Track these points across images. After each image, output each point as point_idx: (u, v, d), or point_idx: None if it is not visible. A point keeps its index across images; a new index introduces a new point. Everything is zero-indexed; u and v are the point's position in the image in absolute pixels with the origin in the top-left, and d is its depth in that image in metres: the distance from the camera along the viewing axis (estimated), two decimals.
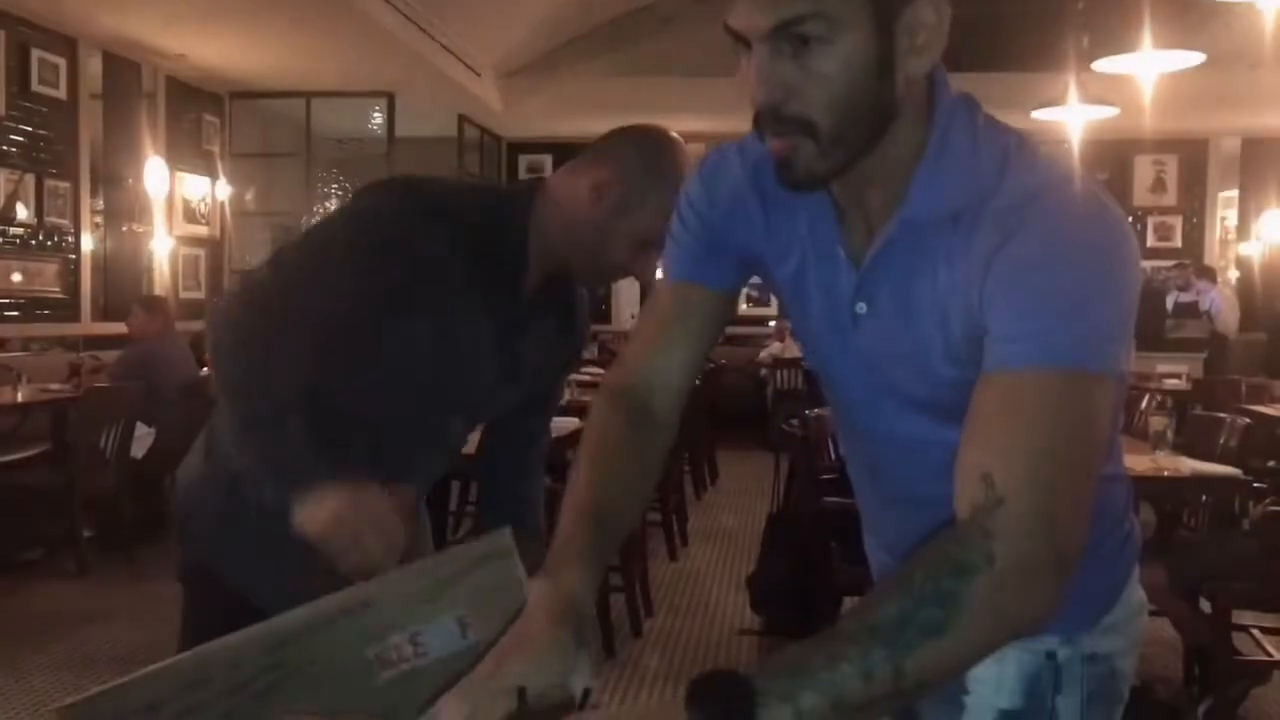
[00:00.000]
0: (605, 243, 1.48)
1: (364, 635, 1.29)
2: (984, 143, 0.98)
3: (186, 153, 8.44)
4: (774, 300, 10.86)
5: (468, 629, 1.29)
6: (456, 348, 1.49)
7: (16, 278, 6.61)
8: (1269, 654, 3.45)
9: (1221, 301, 9.08)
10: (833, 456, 4.08)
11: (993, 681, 1.11)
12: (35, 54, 6.71)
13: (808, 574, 3.56)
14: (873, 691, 0.81)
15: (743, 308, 10.89)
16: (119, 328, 6.43)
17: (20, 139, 6.62)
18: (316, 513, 1.28)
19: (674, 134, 1.54)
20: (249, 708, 1.27)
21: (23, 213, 6.63)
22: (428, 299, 1.45)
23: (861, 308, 1.03)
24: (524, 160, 11.20)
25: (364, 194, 1.48)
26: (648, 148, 1.49)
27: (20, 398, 5.11)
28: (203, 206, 8.74)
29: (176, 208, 8.30)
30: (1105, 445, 0.98)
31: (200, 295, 8.72)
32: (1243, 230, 10.83)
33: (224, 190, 8.94)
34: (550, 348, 1.61)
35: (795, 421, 3.96)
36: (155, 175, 7.82)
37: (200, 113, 8.68)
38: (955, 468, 0.91)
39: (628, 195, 1.46)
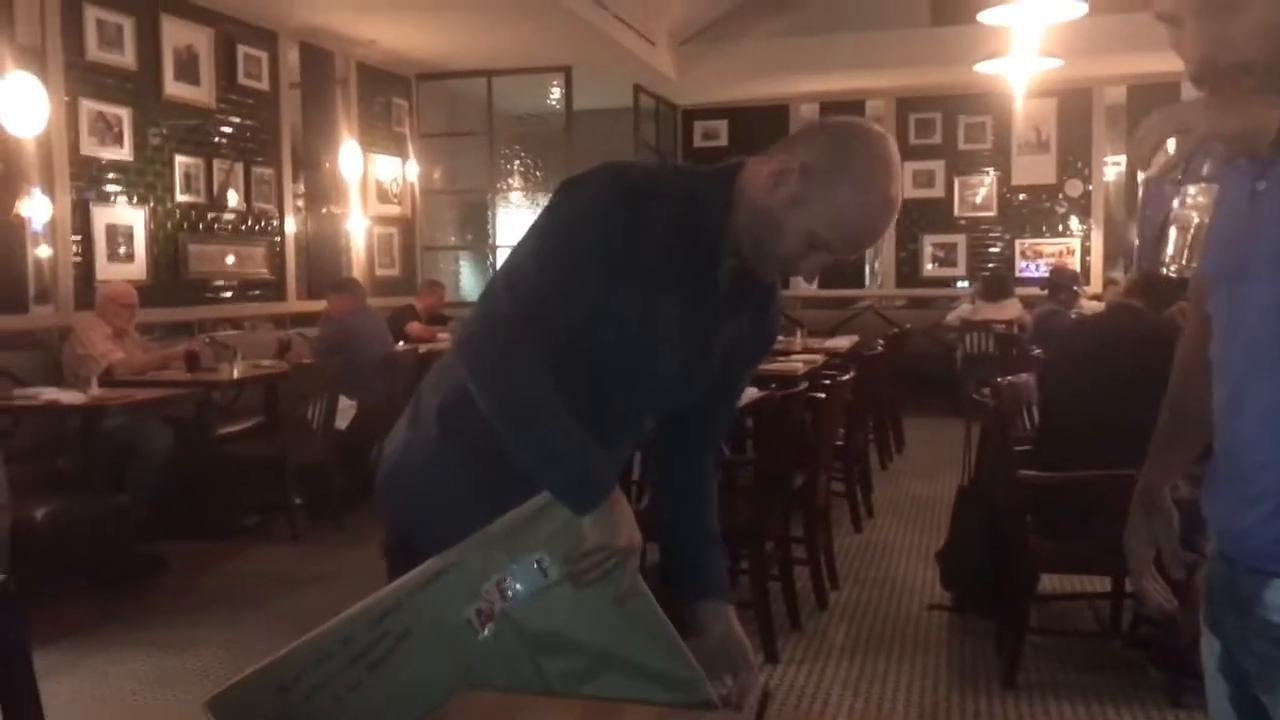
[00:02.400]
0: (775, 232, 1.43)
1: (457, 596, 1.43)
2: None
3: (378, 135, 8.82)
4: (962, 262, 10.48)
5: (547, 569, 1.44)
6: (657, 331, 1.49)
7: (230, 260, 7.09)
8: None
9: None
10: (1027, 426, 3.89)
11: None
12: (240, 49, 7.13)
13: (1001, 550, 3.41)
14: None
15: (928, 268, 10.55)
16: (322, 305, 6.81)
17: (229, 130, 7.07)
18: (609, 523, 1.39)
19: (885, 141, 1.44)
20: (370, 678, 1.41)
21: (233, 199, 7.09)
22: (633, 280, 1.45)
23: (1261, 185, 1.15)
24: (699, 127, 11.16)
25: (572, 185, 1.49)
26: (839, 143, 1.42)
27: (236, 374, 5.48)
28: (394, 187, 9.13)
29: (370, 189, 8.70)
30: None
31: (394, 272, 9.12)
32: None
33: (413, 170, 9.30)
34: (741, 339, 1.58)
35: (987, 390, 3.79)
36: (350, 158, 8.20)
37: (390, 96, 9.05)
38: None
39: (805, 186, 1.40)
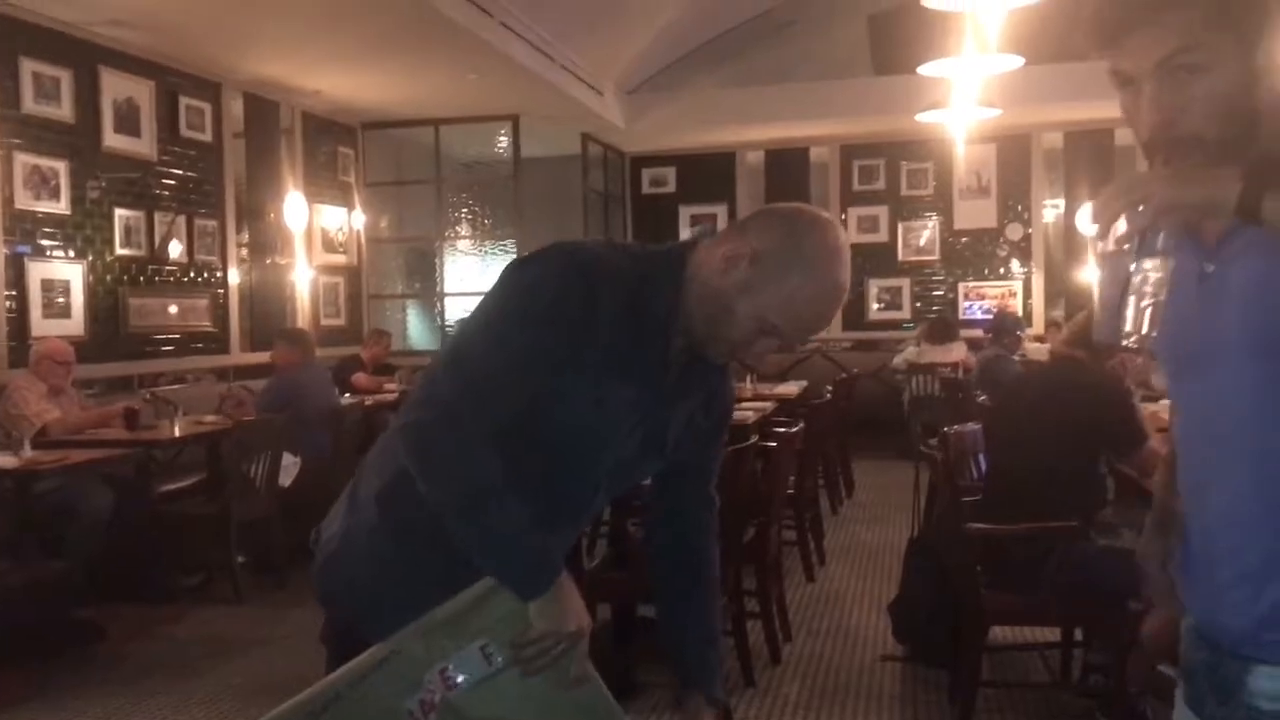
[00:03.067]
0: (726, 316, 1.43)
1: (399, 685, 1.41)
2: None
3: (324, 184, 8.76)
4: (906, 305, 10.62)
5: (493, 655, 1.40)
6: (610, 414, 1.47)
7: (172, 313, 6.97)
8: None
9: None
10: (974, 475, 3.92)
11: None
12: (183, 100, 7.07)
13: (953, 601, 3.42)
14: None
15: (874, 309, 10.67)
16: (266, 357, 6.71)
17: (171, 182, 6.98)
18: (557, 609, 1.37)
19: (835, 229, 1.45)
20: None
21: (175, 251, 6.99)
22: (586, 362, 1.43)
23: (1209, 267, 1.17)
24: (647, 174, 11.24)
25: (522, 265, 1.47)
26: (791, 230, 1.43)
27: (177, 431, 5.36)
28: (340, 236, 9.06)
29: (315, 238, 8.62)
30: None
31: (340, 322, 9.03)
32: None
33: (359, 219, 9.25)
34: (694, 419, 1.57)
35: (934, 441, 3.82)
36: (295, 208, 8.13)
37: (335, 145, 9.00)
38: None
39: (756, 272, 1.40)
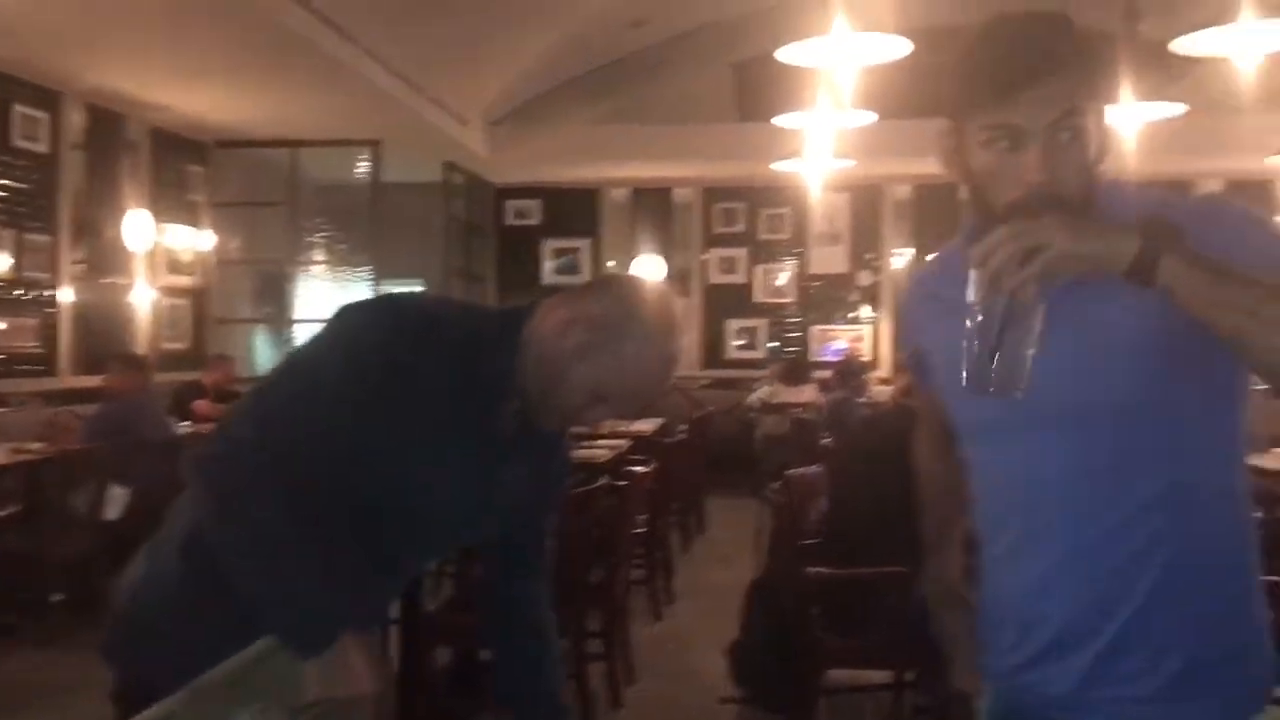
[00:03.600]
0: (560, 382, 1.41)
1: None
2: (1136, 196, 1.22)
3: (170, 203, 8.40)
4: (762, 345, 10.85)
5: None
6: (435, 478, 1.43)
7: None
8: None
9: None
10: (816, 516, 4.00)
11: None
12: (17, 109, 6.68)
13: (790, 646, 3.47)
14: (1236, 303, 1.02)
15: (732, 348, 10.86)
16: (97, 381, 6.35)
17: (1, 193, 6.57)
18: (336, 671, 1.29)
19: (671, 299, 1.47)
20: None
21: (2, 266, 6.57)
22: (413, 425, 1.39)
23: None
24: (512, 205, 11.19)
25: (348, 315, 1.43)
26: (629, 299, 1.42)
27: None
28: (187, 256, 8.69)
29: (160, 259, 8.25)
30: None
31: (184, 345, 8.64)
32: None
33: (208, 240, 8.90)
34: (524, 485, 1.54)
35: (776, 485, 3.89)
36: (138, 226, 7.77)
37: (185, 163, 8.66)
38: None
39: (592, 340, 1.39)
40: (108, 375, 6.00)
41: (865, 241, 10.78)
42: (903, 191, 10.70)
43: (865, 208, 10.70)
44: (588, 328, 1.39)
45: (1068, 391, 1.13)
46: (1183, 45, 3.80)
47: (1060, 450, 1.15)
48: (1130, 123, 6.00)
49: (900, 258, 11.30)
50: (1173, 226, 1.04)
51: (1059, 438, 1.15)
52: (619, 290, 1.45)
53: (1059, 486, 1.16)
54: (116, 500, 5.26)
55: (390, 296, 1.45)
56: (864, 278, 10.80)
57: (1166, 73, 6.33)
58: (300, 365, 1.41)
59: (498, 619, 1.66)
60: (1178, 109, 5.43)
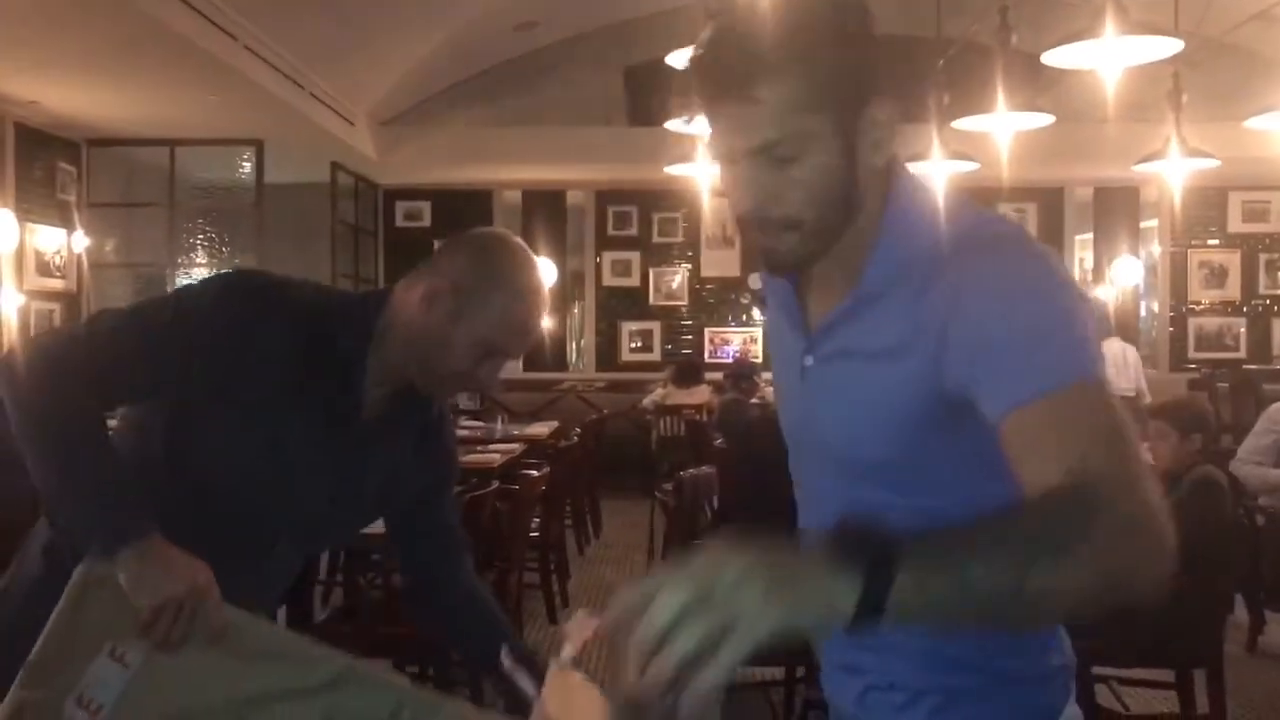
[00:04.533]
0: (442, 351, 1.43)
1: None
2: (931, 216, 1.09)
3: (38, 203, 8.03)
4: (657, 348, 10.93)
5: (124, 656, 1.25)
6: (284, 458, 1.42)
7: None
8: (1125, 706, 3.55)
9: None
10: (708, 516, 4.06)
11: None
12: None
13: None
14: (994, 594, 0.81)
15: (627, 351, 10.92)
16: None
17: None
18: (158, 570, 1.24)
19: (513, 239, 1.51)
20: None
21: None
22: (254, 400, 1.39)
23: (809, 360, 1.15)
24: (401, 207, 11.02)
25: (199, 286, 1.45)
26: (480, 253, 1.46)
27: None
28: (58, 259, 8.33)
29: (27, 261, 7.88)
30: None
31: None
32: (1097, 273, 11.37)
33: (81, 242, 8.54)
34: (406, 470, 1.54)
35: (668, 487, 3.93)
36: (1, 227, 7.40)
37: (54, 160, 8.29)
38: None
39: (460, 301, 1.41)
40: None
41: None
42: None
43: None
44: (452, 293, 1.41)
45: (838, 438, 1.15)
46: (1052, 58, 3.96)
47: (833, 497, 1.17)
48: (1002, 132, 6.25)
49: None
50: (891, 535, 0.79)
51: (827, 483, 1.18)
52: (468, 248, 1.48)
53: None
54: None
55: (240, 270, 1.49)
56: (754, 281, 10.95)
57: (1036, 84, 6.61)
58: (138, 315, 1.44)
59: (439, 606, 1.65)
60: (1047, 119, 5.66)
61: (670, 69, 6.41)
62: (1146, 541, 0.87)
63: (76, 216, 8.51)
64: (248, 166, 9.01)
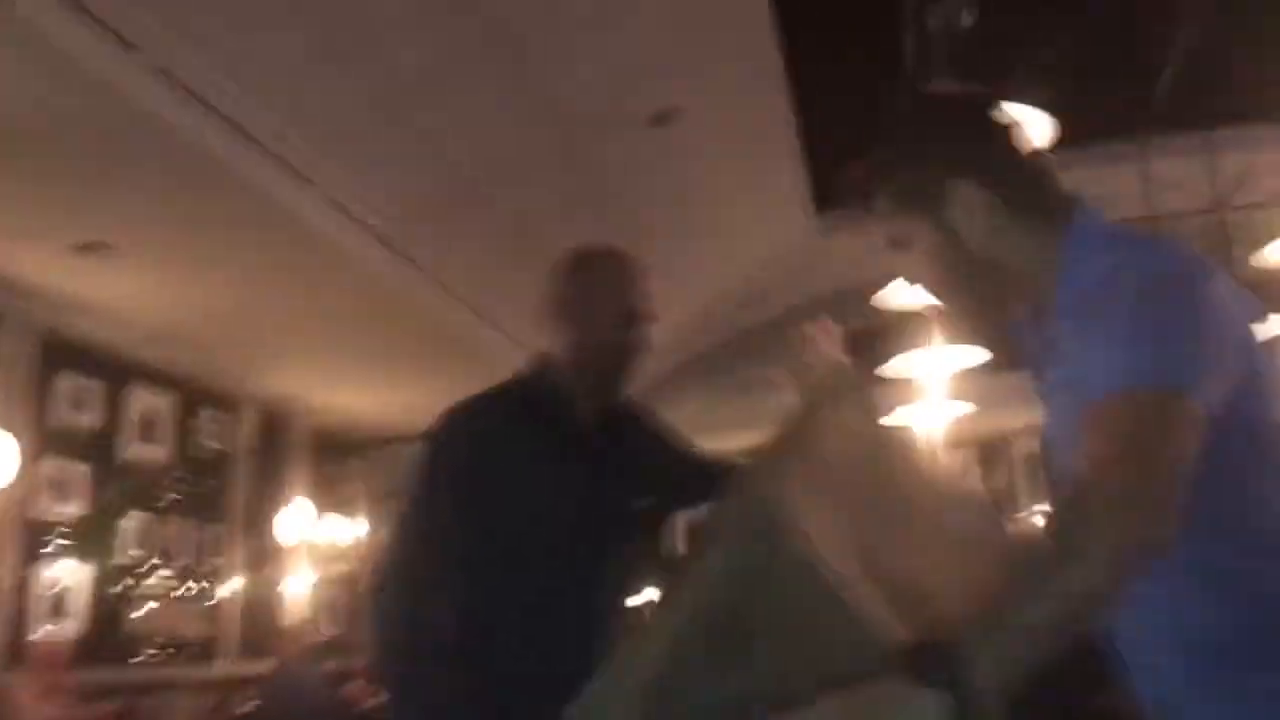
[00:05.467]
0: (592, 345, 1.66)
1: None
2: (1103, 252, 1.15)
3: (329, 496, 8.91)
4: None
5: None
6: (555, 511, 1.60)
7: (169, 620, 6.87)
8: None
9: None
10: None
11: None
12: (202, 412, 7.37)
13: None
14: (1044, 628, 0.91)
15: None
16: (258, 668, 6.52)
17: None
18: None
19: (577, 250, 1.76)
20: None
21: (178, 559, 7.02)
22: (511, 475, 1.59)
23: (1039, 388, 1.25)
24: None
25: (427, 452, 1.68)
26: (557, 269, 1.73)
27: None
28: (343, 545, 9.09)
29: (319, 548, 8.65)
30: (1183, 450, 0.99)
31: (339, 632, 8.85)
32: None
33: (363, 528, 9.33)
34: (637, 463, 1.70)
35: None
36: (298, 518, 8.23)
37: (343, 458, 9.25)
38: None
39: (568, 306, 1.68)
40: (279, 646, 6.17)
41: None
42: None
43: None
44: (559, 304, 1.69)
45: (1057, 471, 1.22)
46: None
47: None
48: None
49: None
50: (952, 645, 0.89)
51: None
52: (551, 276, 1.73)
53: None
54: None
55: (447, 412, 1.69)
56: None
57: None
58: (409, 497, 1.65)
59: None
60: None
61: None
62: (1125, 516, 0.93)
63: (360, 506, 9.34)
64: None
